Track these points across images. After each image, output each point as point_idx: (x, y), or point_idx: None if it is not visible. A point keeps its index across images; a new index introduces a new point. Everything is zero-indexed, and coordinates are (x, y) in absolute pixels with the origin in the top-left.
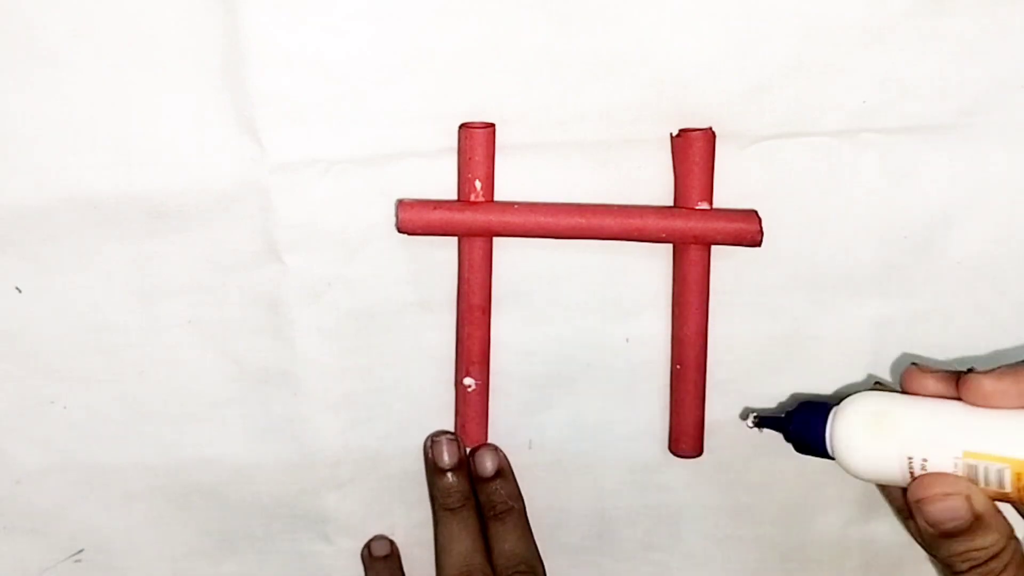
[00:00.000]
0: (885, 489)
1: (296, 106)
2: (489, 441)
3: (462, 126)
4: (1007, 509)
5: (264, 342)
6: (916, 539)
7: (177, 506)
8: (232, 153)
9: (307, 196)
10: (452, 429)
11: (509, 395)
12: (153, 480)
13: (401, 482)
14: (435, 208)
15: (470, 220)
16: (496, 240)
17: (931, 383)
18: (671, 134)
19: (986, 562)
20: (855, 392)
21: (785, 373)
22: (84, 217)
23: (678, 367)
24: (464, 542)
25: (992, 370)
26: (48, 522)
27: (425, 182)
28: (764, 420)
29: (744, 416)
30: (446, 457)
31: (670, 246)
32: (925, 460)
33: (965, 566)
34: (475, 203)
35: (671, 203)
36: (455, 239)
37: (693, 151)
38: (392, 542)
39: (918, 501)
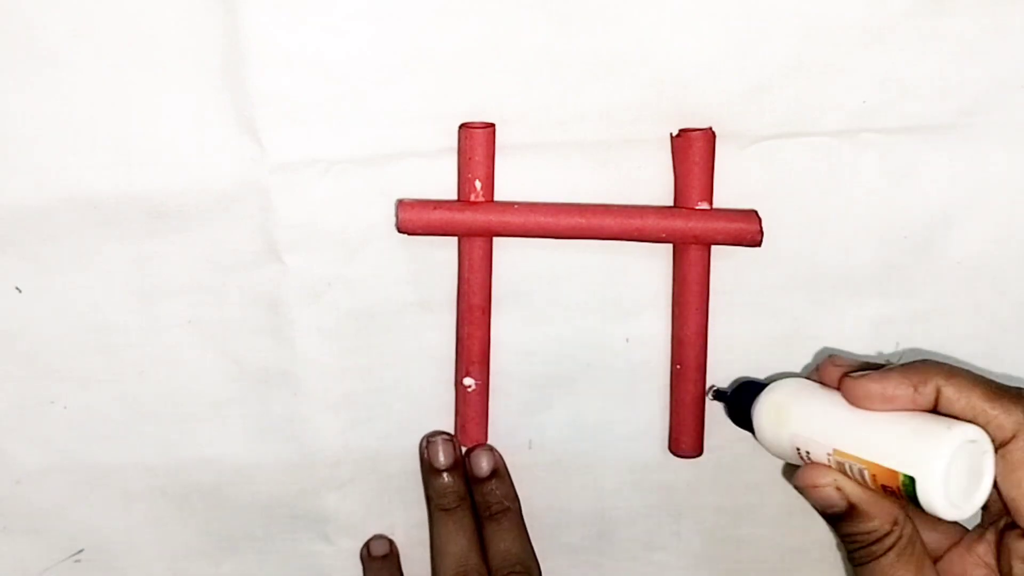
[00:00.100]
0: None
1: (296, 106)
2: (489, 441)
3: (462, 126)
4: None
5: (264, 342)
6: None
7: (177, 506)
8: (232, 153)
9: (307, 196)
10: (452, 429)
11: (509, 395)
12: (153, 480)
13: (401, 482)
14: (435, 208)
15: (470, 220)
16: (496, 240)
17: (836, 377)
18: (671, 134)
19: (868, 545)
20: (786, 378)
21: (785, 373)
22: (84, 217)
23: (678, 367)
24: (460, 542)
25: (867, 373)
26: (48, 522)
27: (425, 182)
28: (718, 393)
29: (708, 390)
30: (442, 457)
31: (670, 246)
32: (808, 452)
33: (852, 547)
34: (475, 203)
35: (671, 203)
36: (455, 239)
37: (693, 151)
38: (391, 542)
39: (798, 488)
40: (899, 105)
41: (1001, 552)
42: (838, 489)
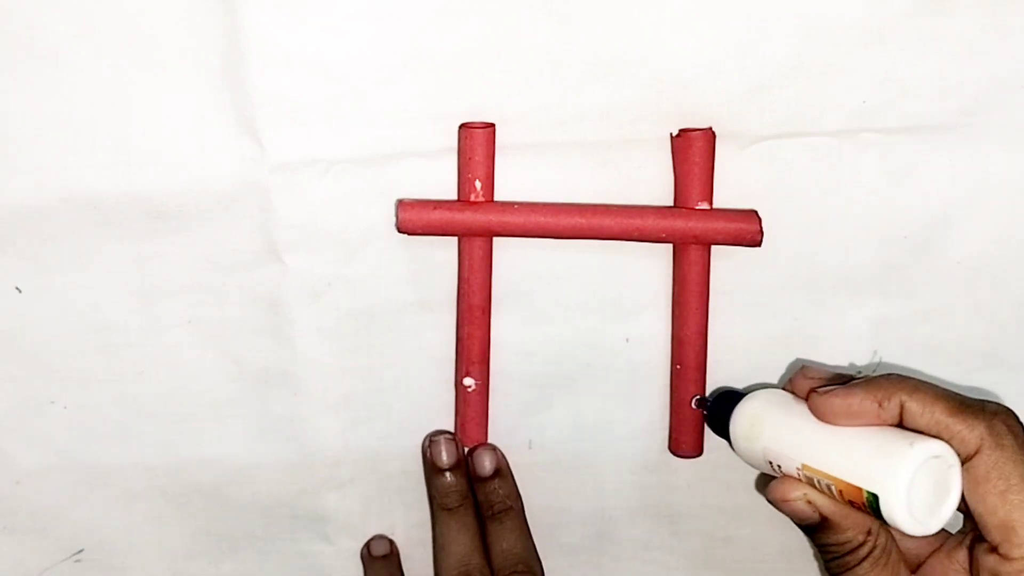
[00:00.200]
0: None
1: (296, 106)
2: (489, 441)
3: (462, 126)
4: None
5: (264, 342)
6: None
7: (177, 506)
8: (232, 153)
9: (307, 196)
10: (452, 429)
11: (509, 395)
12: (153, 480)
13: (401, 482)
14: (435, 208)
15: (470, 220)
16: (496, 240)
17: (806, 390)
18: (671, 134)
19: (843, 555)
20: (763, 388)
21: (785, 373)
22: (84, 217)
23: (678, 367)
24: (462, 542)
25: (832, 388)
26: (48, 522)
27: (425, 182)
28: (700, 402)
29: (691, 399)
30: (444, 457)
31: (670, 246)
32: (779, 465)
33: (827, 556)
34: (475, 203)
35: (671, 203)
36: (455, 239)
37: (693, 151)
38: (391, 542)
39: (770, 502)
40: (899, 105)
41: (972, 565)
42: (809, 502)
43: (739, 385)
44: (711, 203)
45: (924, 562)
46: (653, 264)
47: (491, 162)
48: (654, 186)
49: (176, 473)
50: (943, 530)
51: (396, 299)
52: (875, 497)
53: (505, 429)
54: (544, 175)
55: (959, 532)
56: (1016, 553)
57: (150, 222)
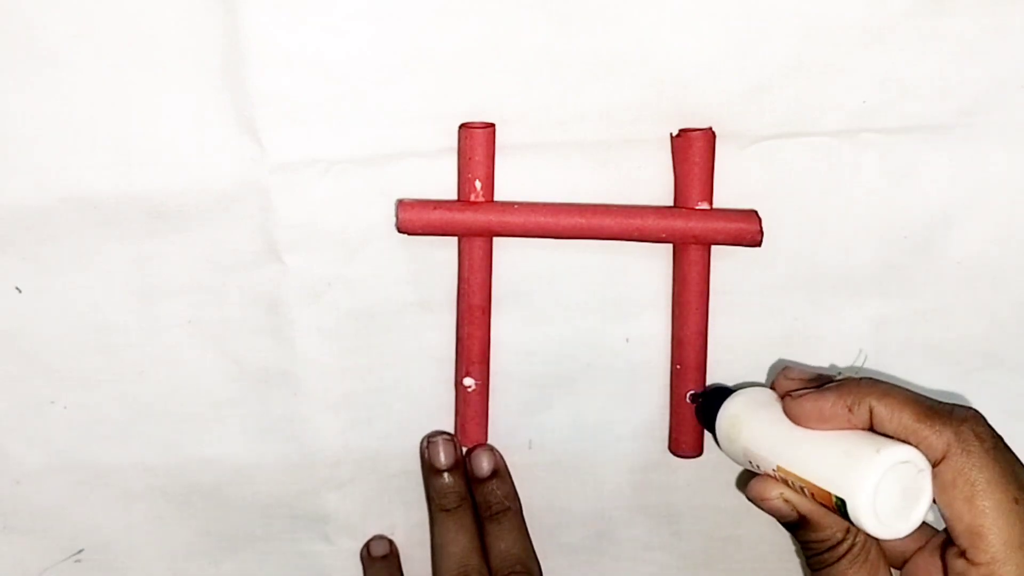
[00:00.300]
0: None
1: (296, 106)
2: (489, 441)
3: (462, 126)
4: None
5: (264, 342)
6: None
7: (177, 506)
8: (232, 153)
9: (307, 196)
10: (452, 429)
11: (509, 395)
12: (153, 480)
13: (401, 482)
14: (435, 208)
15: (470, 220)
16: (496, 240)
17: (785, 391)
18: (671, 134)
19: (822, 552)
20: (750, 387)
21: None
22: (84, 217)
23: (678, 367)
24: (460, 542)
25: (805, 392)
26: (48, 522)
27: (425, 182)
28: (693, 397)
29: (687, 395)
30: (442, 457)
31: (670, 246)
32: (758, 465)
33: (808, 552)
34: (475, 203)
35: (671, 203)
36: (455, 239)
37: (693, 151)
38: (391, 542)
39: (749, 499)
40: (899, 105)
41: (944, 567)
42: (786, 501)
43: (743, 383)
44: (711, 203)
45: (909, 559)
46: (653, 264)
47: (491, 162)
48: (654, 186)
49: (176, 473)
50: (930, 527)
51: (396, 299)
52: (843, 501)
53: (505, 429)
54: (544, 175)
55: (944, 530)
56: (981, 558)
57: (150, 222)
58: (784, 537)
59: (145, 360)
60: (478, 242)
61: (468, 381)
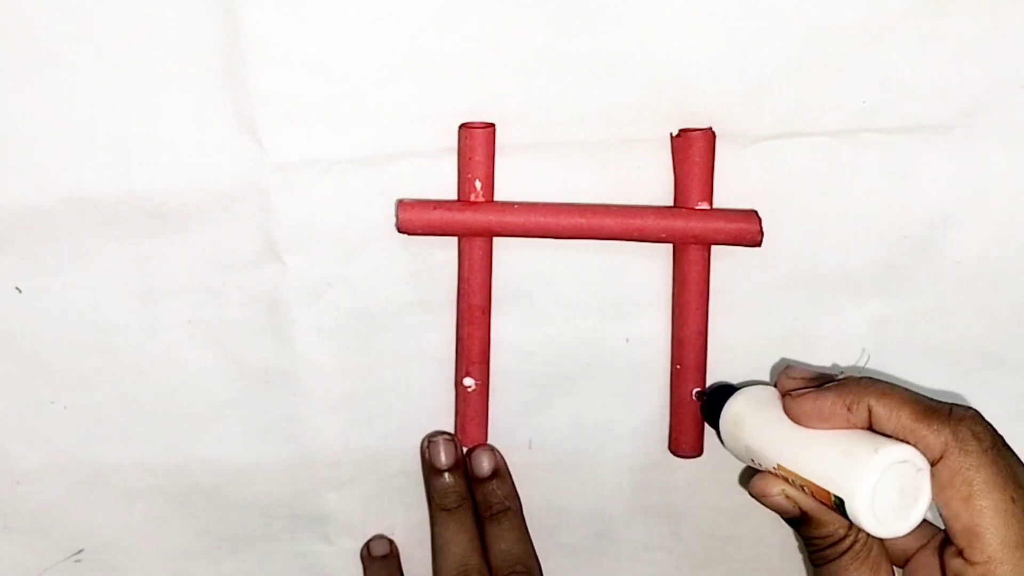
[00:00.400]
0: None
1: (296, 106)
2: (489, 441)
3: (462, 126)
4: None
5: (264, 342)
6: None
7: (177, 506)
8: (232, 153)
9: (307, 196)
10: (452, 429)
11: (509, 395)
12: (153, 480)
13: (401, 482)
14: (435, 208)
15: (470, 220)
16: (496, 240)
17: (787, 390)
18: (671, 134)
19: (824, 549)
20: (753, 385)
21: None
22: (84, 217)
23: (678, 367)
24: (461, 542)
25: (805, 392)
26: (48, 522)
27: (425, 182)
28: (699, 394)
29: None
30: (443, 457)
31: (670, 246)
32: (759, 463)
33: (810, 548)
34: (475, 203)
35: (671, 203)
36: (455, 239)
37: (693, 151)
38: (391, 542)
39: (752, 496)
40: (899, 105)
41: (941, 565)
42: (788, 497)
43: (743, 383)
44: (711, 203)
45: (911, 558)
46: (653, 264)
47: (491, 162)
48: (654, 186)
49: (176, 473)
50: (932, 526)
51: (396, 299)
52: (842, 501)
53: (505, 429)
54: (544, 175)
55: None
56: (978, 558)
57: (150, 222)
58: (784, 537)
59: (145, 360)
60: (478, 242)
61: (468, 381)
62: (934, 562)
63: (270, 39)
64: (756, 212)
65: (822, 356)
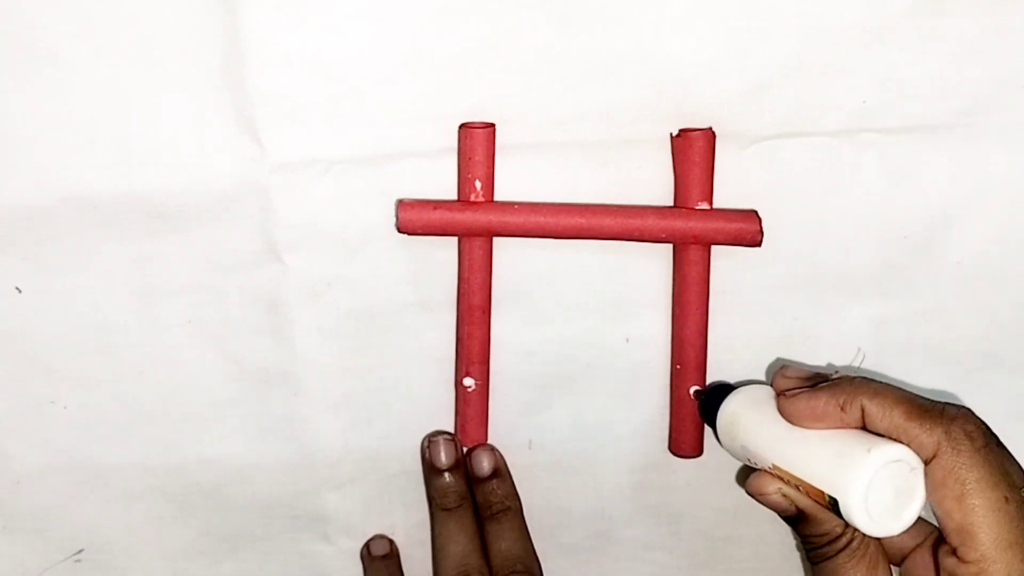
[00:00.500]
0: None
1: (296, 106)
2: (489, 441)
3: (462, 126)
4: None
5: (264, 342)
6: None
7: (177, 506)
8: (232, 153)
9: (307, 196)
10: (452, 429)
11: (509, 395)
12: (153, 480)
13: (401, 482)
14: (435, 208)
15: (470, 220)
16: (496, 240)
17: (782, 389)
18: (671, 134)
19: (821, 547)
20: (750, 385)
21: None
22: (84, 217)
23: (678, 367)
24: (461, 542)
25: (799, 392)
26: (48, 522)
27: (425, 182)
28: (697, 393)
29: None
30: (443, 457)
31: (670, 246)
32: (756, 463)
33: (808, 546)
34: (475, 203)
35: (671, 203)
36: (455, 239)
37: (693, 151)
38: (391, 541)
39: (749, 495)
40: (899, 105)
41: (935, 564)
42: (784, 496)
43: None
44: (711, 203)
45: (907, 556)
46: (653, 264)
47: (491, 162)
48: (654, 186)
49: (176, 473)
50: (929, 524)
51: (396, 299)
52: (835, 500)
53: (505, 429)
54: (544, 175)
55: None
56: (971, 556)
57: (150, 222)
58: (783, 537)
59: (145, 360)
60: (478, 242)
61: (468, 381)
62: (930, 560)
63: (270, 39)
64: (756, 212)
65: (822, 356)
